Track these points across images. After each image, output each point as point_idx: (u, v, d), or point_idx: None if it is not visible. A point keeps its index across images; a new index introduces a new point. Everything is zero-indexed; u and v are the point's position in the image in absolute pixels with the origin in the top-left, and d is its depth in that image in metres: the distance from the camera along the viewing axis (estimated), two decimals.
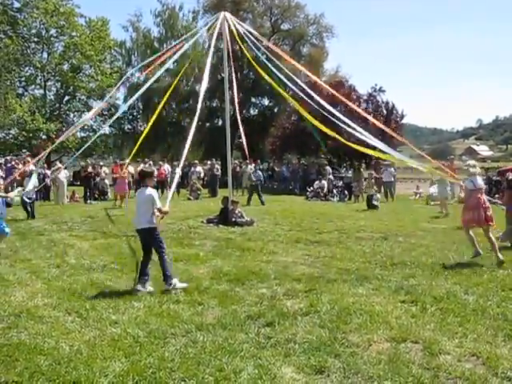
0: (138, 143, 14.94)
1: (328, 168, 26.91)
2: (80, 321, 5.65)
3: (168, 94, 15.47)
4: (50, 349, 4.82)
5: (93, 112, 20.17)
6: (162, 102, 15.77)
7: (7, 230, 9.27)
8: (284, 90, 16.64)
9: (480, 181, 9.13)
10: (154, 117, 14.69)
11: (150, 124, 15.07)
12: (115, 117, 22.48)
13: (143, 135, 14.64)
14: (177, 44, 16.26)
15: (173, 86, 16.45)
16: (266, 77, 14.77)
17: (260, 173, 22.70)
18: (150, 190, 7.25)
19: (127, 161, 20.66)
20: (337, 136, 12.50)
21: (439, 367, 4.39)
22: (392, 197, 23.66)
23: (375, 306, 6.11)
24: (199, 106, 11.80)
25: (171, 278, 6.99)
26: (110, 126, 42.78)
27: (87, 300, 6.44)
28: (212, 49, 14.09)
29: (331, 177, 25.86)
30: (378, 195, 23.07)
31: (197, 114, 11.62)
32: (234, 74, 15.08)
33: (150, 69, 17.24)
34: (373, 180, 20.06)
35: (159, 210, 7.19)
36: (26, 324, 5.52)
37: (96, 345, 4.92)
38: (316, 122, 13.34)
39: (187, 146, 10.79)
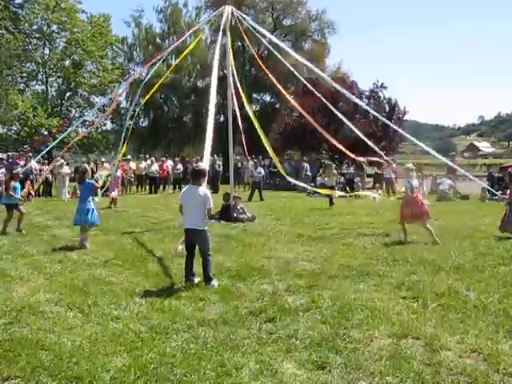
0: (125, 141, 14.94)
1: (305, 164, 26.98)
2: (82, 316, 5.67)
3: (156, 86, 15.30)
4: (51, 344, 4.83)
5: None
6: (153, 90, 15.56)
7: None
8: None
9: (415, 182, 10.71)
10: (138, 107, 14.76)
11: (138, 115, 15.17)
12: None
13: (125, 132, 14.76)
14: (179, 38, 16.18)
15: (161, 80, 16.27)
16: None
17: (261, 169, 22.72)
18: (204, 189, 7.24)
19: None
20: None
21: (440, 363, 4.39)
22: (394, 193, 23.64)
23: (376, 302, 6.11)
24: (212, 104, 11.77)
25: (212, 279, 7.05)
26: (111, 122, 42.91)
27: (89, 296, 6.45)
28: (219, 43, 13.85)
29: (308, 173, 25.83)
30: (380, 191, 23.12)
31: (211, 110, 11.58)
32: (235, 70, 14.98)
33: (150, 63, 17.07)
34: (334, 170, 19.41)
35: (208, 210, 7.17)
36: (27, 319, 5.54)
37: (98, 340, 4.93)
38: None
39: (208, 143, 10.91)
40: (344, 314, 5.65)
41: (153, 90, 15.52)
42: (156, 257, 8.92)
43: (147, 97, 15.33)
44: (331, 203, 17.65)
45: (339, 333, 5.07)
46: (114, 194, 17.61)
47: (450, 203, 19.86)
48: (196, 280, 7.10)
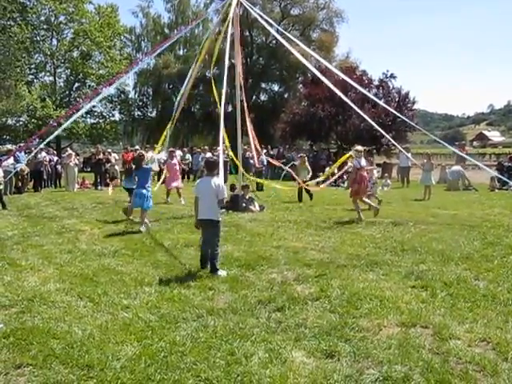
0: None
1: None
2: (92, 305, 5.71)
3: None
4: (63, 333, 4.88)
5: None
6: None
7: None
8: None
9: (363, 162, 12.02)
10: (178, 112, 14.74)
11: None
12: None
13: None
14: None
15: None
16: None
17: (263, 158, 22.69)
18: (219, 181, 7.30)
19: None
20: None
21: (449, 352, 4.40)
22: (408, 182, 23.57)
23: (385, 291, 6.12)
24: (224, 94, 11.80)
25: (218, 269, 7.06)
26: (119, 112, 42.93)
27: (99, 285, 6.50)
28: (230, 33, 13.73)
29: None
30: (389, 181, 23.04)
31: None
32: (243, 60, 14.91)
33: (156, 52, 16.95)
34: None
35: (220, 201, 7.19)
36: (39, 308, 5.59)
37: (108, 329, 4.97)
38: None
39: (221, 134, 10.97)
40: (353, 303, 5.66)
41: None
42: (165, 247, 8.96)
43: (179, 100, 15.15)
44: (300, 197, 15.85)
45: (348, 322, 5.09)
46: (174, 184, 16.13)
47: (459, 193, 19.77)
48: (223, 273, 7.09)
